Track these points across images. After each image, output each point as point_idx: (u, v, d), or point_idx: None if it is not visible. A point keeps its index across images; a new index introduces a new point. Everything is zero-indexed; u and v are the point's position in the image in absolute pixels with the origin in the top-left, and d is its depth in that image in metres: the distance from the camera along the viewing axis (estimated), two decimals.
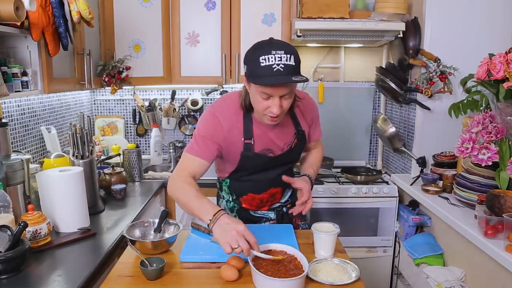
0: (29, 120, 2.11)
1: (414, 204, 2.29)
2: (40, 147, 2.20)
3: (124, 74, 2.45)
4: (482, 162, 1.73)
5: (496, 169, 1.75)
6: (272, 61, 1.22)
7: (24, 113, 2.06)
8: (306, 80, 1.23)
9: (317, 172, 1.66)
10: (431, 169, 2.27)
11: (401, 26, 2.32)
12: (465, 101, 2.02)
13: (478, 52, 1.84)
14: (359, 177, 2.51)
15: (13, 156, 1.57)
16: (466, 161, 1.90)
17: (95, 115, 2.97)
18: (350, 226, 2.42)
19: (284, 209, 1.61)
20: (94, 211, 1.78)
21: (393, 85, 2.35)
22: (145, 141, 3.00)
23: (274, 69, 1.22)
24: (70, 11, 1.73)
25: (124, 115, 2.97)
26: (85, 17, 1.81)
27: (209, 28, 2.57)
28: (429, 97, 2.22)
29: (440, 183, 2.15)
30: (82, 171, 1.62)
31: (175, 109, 2.89)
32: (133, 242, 1.31)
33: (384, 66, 2.55)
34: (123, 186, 2.04)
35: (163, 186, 2.37)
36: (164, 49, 2.58)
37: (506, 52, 1.61)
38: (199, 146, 1.40)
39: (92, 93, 2.93)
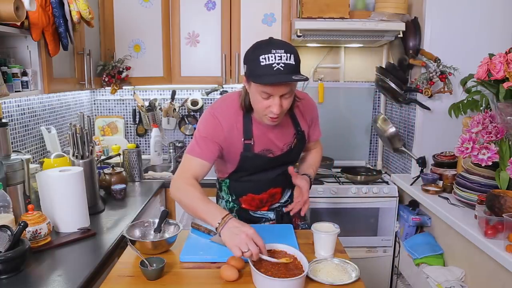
0: (29, 120, 2.11)
1: (414, 204, 2.29)
2: (40, 147, 2.20)
3: (124, 74, 2.45)
4: (482, 162, 1.73)
5: (496, 169, 1.75)
6: (272, 60, 1.22)
7: (24, 113, 2.06)
8: (306, 79, 1.23)
9: (316, 172, 1.66)
10: (431, 169, 2.27)
11: (401, 26, 2.32)
12: (465, 101, 2.02)
13: (478, 52, 1.84)
14: (359, 177, 2.51)
15: (13, 156, 1.57)
16: (466, 161, 1.90)
17: (95, 115, 2.97)
18: (350, 226, 2.42)
19: (284, 209, 1.61)
20: (94, 211, 1.78)
21: (393, 85, 2.35)
22: (145, 141, 3.00)
23: (274, 68, 1.22)
24: (70, 11, 1.73)
25: (124, 115, 2.97)
26: (85, 17, 1.81)
27: (209, 28, 2.57)
28: (429, 97, 2.22)
29: (440, 183, 2.15)
30: (82, 171, 1.62)
31: (175, 109, 2.89)
32: (133, 242, 1.31)
33: (384, 66, 2.55)
34: (123, 186, 2.04)
35: (163, 186, 2.38)
36: (164, 49, 2.58)
37: (506, 52, 1.61)
38: (200, 147, 1.40)
39: (92, 93, 2.93)
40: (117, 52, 2.48)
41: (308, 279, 1.15)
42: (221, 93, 2.82)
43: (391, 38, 2.47)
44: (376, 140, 2.99)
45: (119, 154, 2.45)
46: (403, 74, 2.40)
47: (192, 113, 2.97)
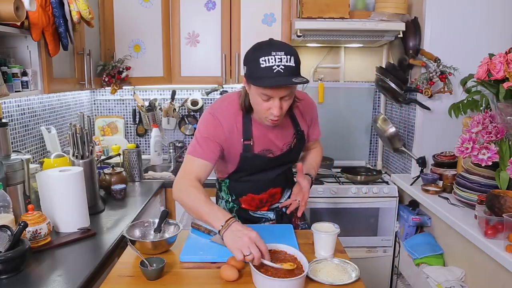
0: (29, 120, 2.11)
1: (414, 204, 2.29)
2: (40, 147, 2.20)
3: (124, 74, 2.45)
4: (482, 162, 1.73)
5: (496, 169, 1.75)
6: (272, 62, 1.21)
7: (24, 113, 2.06)
8: (307, 81, 1.23)
9: (316, 173, 1.67)
10: (431, 169, 2.27)
11: (401, 26, 2.32)
12: (465, 101, 2.02)
13: (478, 52, 1.84)
14: (359, 177, 2.51)
15: (13, 156, 1.57)
16: (466, 161, 1.90)
17: (95, 115, 2.97)
18: (350, 226, 2.42)
19: (284, 209, 1.61)
20: (94, 211, 1.78)
21: (393, 85, 2.35)
22: (145, 141, 3.00)
23: (274, 71, 1.21)
24: (70, 11, 1.73)
25: (124, 115, 2.97)
26: (85, 17, 1.81)
27: (209, 28, 2.57)
28: (429, 97, 2.22)
29: (440, 183, 2.15)
30: (82, 171, 1.62)
31: (175, 109, 2.89)
32: (133, 242, 1.31)
33: (384, 66, 2.55)
34: (123, 186, 2.04)
35: (163, 186, 2.38)
36: (164, 49, 2.58)
37: (506, 52, 1.61)
38: (202, 148, 1.39)
39: (92, 93, 2.93)
40: (117, 52, 2.48)
41: (308, 279, 1.15)
42: (221, 93, 2.82)
43: (391, 38, 2.47)
44: (376, 140, 2.99)
45: (119, 154, 2.45)
46: (403, 74, 2.40)
47: (192, 113, 2.97)
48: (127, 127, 2.98)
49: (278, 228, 1.53)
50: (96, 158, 1.99)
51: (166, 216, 1.44)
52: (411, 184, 2.27)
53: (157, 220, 1.43)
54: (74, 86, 2.05)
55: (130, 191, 2.18)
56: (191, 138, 2.96)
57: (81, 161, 1.77)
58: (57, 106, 2.43)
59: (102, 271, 1.38)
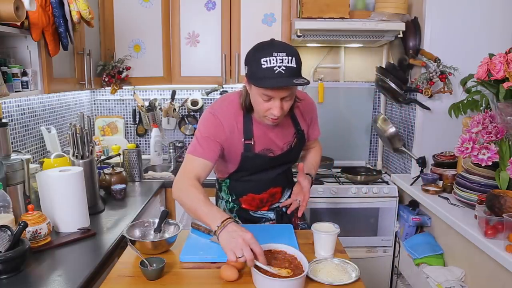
0: (29, 120, 2.11)
1: (414, 204, 2.29)
2: (40, 147, 2.20)
3: (124, 74, 2.45)
4: (482, 162, 1.73)
5: (496, 169, 1.75)
6: (273, 63, 1.22)
7: (24, 113, 2.06)
8: (308, 83, 1.24)
9: (316, 172, 1.67)
10: (431, 169, 2.27)
11: (401, 26, 2.32)
12: (465, 101, 2.02)
13: (478, 52, 1.84)
14: (359, 177, 2.51)
15: (13, 156, 1.57)
16: (466, 161, 1.90)
17: (95, 115, 2.97)
18: (350, 226, 2.42)
19: (284, 209, 1.61)
20: (94, 211, 1.78)
21: (393, 85, 2.35)
22: (145, 141, 3.00)
23: (276, 71, 1.22)
24: (70, 11, 1.73)
25: (124, 115, 2.97)
26: (85, 17, 1.81)
27: (209, 28, 2.57)
28: (429, 97, 2.22)
29: (440, 183, 2.15)
30: (82, 171, 1.62)
31: (175, 109, 2.89)
32: (133, 242, 1.31)
33: (384, 66, 2.55)
34: (123, 186, 2.04)
35: (163, 186, 2.38)
36: (164, 49, 2.58)
37: (506, 52, 1.61)
38: (202, 147, 1.39)
39: (92, 93, 2.93)
40: (117, 52, 2.48)
41: (308, 279, 1.15)
42: (221, 93, 2.82)
43: (391, 38, 2.47)
44: (376, 140, 2.99)
45: (119, 154, 2.45)
46: (403, 74, 2.39)
47: (192, 113, 2.97)
48: (127, 127, 2.98)
49: (278, 228, 1.53)
50: (96, 158, 1.99)
51: (166, 216, 1.44)
52: (411, 184, 2.27)
53: (157, 220, 1.43)
54: (74, 86, 2.05)
55: (130, 191, 2.18)
56: (191, 138, 2.96)
57: (81, 161, 1.77)
58: (57, 106, 2.43)
59: (102, 271, 1.38)
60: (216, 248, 1.34)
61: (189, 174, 1.36)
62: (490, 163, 1.72)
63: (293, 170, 1.69)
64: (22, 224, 1.27)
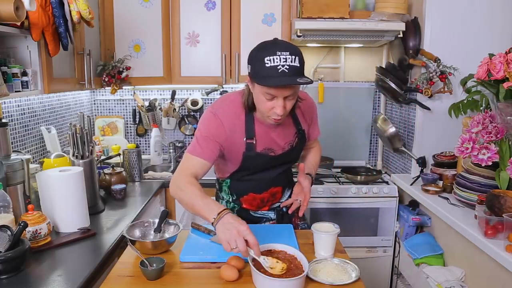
0: (29, 120, 2.11)
1: (414, 204, 2.29)
2: (40, 147, 2.20)
3: (124, 74, 2.45)
4: (482, 162, 1.73)
5: (496, 169, 1.75)
6: (277, 62, 1.22)
7: (24, 113, 2.06)
8: (311, 82, 1.24)
9: (316, 172, 1.67)
10: (431, 169, 2.27)
11: (401, 26, 2.32)
12: (465, 101, 2.02)
13: (478, 52, 1.83)
14: (359, 177, 2.51)
15: (13, 156, 1.57)
16: (466, 161, 1.90)
17: (95, 115, 2.97)
18: (350, 226, 2.42)
19: (284, 208, 1.61)
20: (94, 211, 1.78)
21: (393, 85, 2.35)
22: (145, 141, 3.00)
23: (279, 70, 1.22)
24: (70, 11, 1.73)
25: (124, 115, 2.97)
26: (85, 17, 1.81)
27: (209, 28, 2.57)
28: (429, 97, 2.22)
29: (440, 183, 2.15)
30: (82, 171, 1.62)
31: (175, 109, 2.89)
32: (133, 242, 1.31)
33: (384, 66, 2.55)
34: (123, 186, 2.04)
35: (163, 186, 2.38)
36: (164, 49, 2.58)
37: (506, 52, 1.61)
38: (201, 147, 1.40)
39: (92, 93, 2.93)
40: (117, 52, 2.48)
41: (308, 279, 1.15)
42: (221, 93, 2.82)
43: (391, 38, 2.47)
44: (376, 140, 2.99)
45: (119, 154, 2.45)
46: (403, 74, 2.40)
47: (192, 113, 2.97)
48: (127, 127, 2.98)
49: (278, 228, 1.54)
50: (96, 158, 1.99)
51: (166, 216, 1.44)
52: (411, 184, 2.27)
53: (157, 220, 1.43)
54: (74, 86, 2.05)
55: (130, 191, 2.18)
56: (191, 138, 2.96)
57: (81, 161, 1.77)
58: (57, 106, 2.43)
59: (102, 271, 1.38)
60: (216, 248, 1.34)
61: (186, 171, 1.37)
62: (490, 163, 1.72)
63: (293, 170, 1.69)
64: (22, 224, 1.27)
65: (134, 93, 2.89)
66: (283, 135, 1.49)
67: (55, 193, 1.55)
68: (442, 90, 2.19)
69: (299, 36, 2.37)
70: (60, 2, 1.68)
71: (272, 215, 1.63)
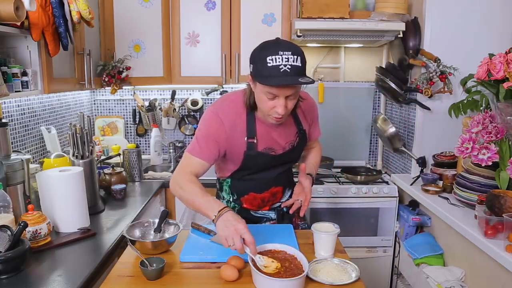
0: (29, 120, 2.11)
1: (414, 204, 2.29)
2: (40, 147, 2.20)
3: (124, 74, 2.45)
4: (482, 162, 1.73)
5: (496, 169, 1.75)
6: (279, 61, 1.23)
7: (24, 113, 2.06)
8: (313, 81, 1.25)
9: (316, 172, 1.68)
10: (431, 169, 2.27)
11: (401, 26, 2.32)
12: (465, 101, 2.02)
13: (478, 52, 1.83)
14: (359, 177, 2.51)
15: (13, 156, 1.57)
16: (466, 161, 1.90)
17: (95, 115, 2.97)
18: (350, 226, 2.42)
19: (285, 208, 1.61)
20: (94, 211, 1.78)
21: (393, 85, 2.35)
22: (145, 141, 3.00)
23: (281, 70, 1.23)
24: (70, 11, 1.73)
25: (124, 115, 2.97)
26: (85, 17, 1.81)
27: (209, 28, 2.57)
28: (429, 97, 2.22)
29: (440, 183, 2.15)
30: (82, 171, 1.62)
31: (175, 109, 2.89)
32: (133, 242, 1.31)
33: (384, 66, 2.55)
34: (123, 186, 2.04)
35: (163, 186, 2.37)
36: (164, 49, 2.58)
37: (506, 52, 1.61)
38: (200, 147, 1.41)
39: (92, 93, 2.93)
40: (117, 52, 2.48)
41: (308, 279, 1.15)
42: (221, 93, 2.82)
43: (391, 38, 2.47)
44: (376, 140, 2.99)
45: (119, 154, 2.45)
46: (403, 74, 2.39)
47: (192, 113, 2.97)
48: (127, 127, 2.98)
49: (278, 228, 1.54)
50: (96, 158, 1.99)
51: (166, 216, 1.44)
52: (411, 184, 2.27)
53: (157, 220, 1.43)
54: (74, 86, 2.05)
55: (130, 191, 2.18)
56: (191, 138, 2.96)
57: (81, 161, 1.77)
58: (57, 106, 2.43)
59: (102, 271, 1.38)
60: (216, 248, 1.34)
61: (186, 170, 1.40)
62: (490, 163, 1.72)
63: (294, 170, 1.70)
64: (22, 224, 1.27)
65: (134, 93, 2.89)
66: (284, 134, 1.49)
67: (55, 193, 1.55)
68: (442, 90, 2.19)
69: (299, 36, 2.37)
70: (60, 2, 1.68)
71: (272, 215, 1.63)
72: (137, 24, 2.51)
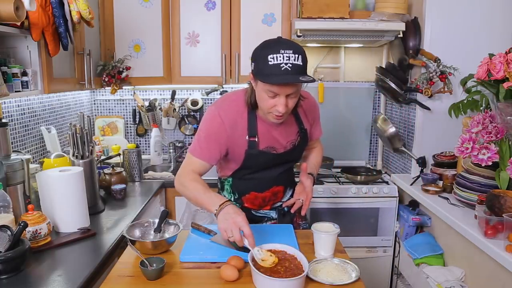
0: (29, 120, 2.11)
1: (414, 204, 2.29)
2: (40, 147, 2.20)
3: (124, 74, 2.45)
4: (482, 162, 1.73)
5: (496, 169, 1.75)
6: (280, 60, 1.23)
7: (24, 113, 2.06)
8: (313, 80, 1.25)
9: (318, 172, 1.69)
10: (431, 169, 2.27)
11: (401, 26, 2.32)
12: (465, 101, 2.02)
13: (478, 52, 1.83)
14: (359, 177, 2.51)
15: (13, 156, 1.57)
16: (466, 161, 1.90)
17: (95, 115, 2.97)
18: (350, 226, 2.42)
19: (286, 208, 1.61)
20: (94, 211, 1.78)
21: (393, 85, 2.35)
22: (145, 141, 3.00)
23: (282, 68, 1.23)
24: (70, 11, 1.73)
25: (124, 115, 2.97)
26: (85, 17, 1.81)
27: (209, 28, 2.57)
28: (429, 97, 2.22)
29: (440, 183, 2.15)
30: (82, 171, 1.62)
31: (175, 109, 2.89)
32: (133, 242, 1.31)
33: (384, 66, 2.55)
34: (123, 186, 2.04)
35: (163, 186, 2.38)
36: (164, 49, 2.58)
37: (506, 52, 1.61)
38: (201, 148, 1.43)
39: (92, 93, 2.93)
40: (117, 52, 2.48)
41: (308, 279, 1.15)
42: (221, 93, 2.82)
43: (391, 38, 2.47)
44: (376, 140, 2.99)
45: (119, 154, 2.45)
46: (403, 74, 2.39)
47: (192, 113, 2.97)
48: (127, 127, 2.98)
49: (278, 228, 1.54)
50: (96, 158, 1.99)
51: (166, 216, 1.44)
52: (411, 184, 2.27)
53: (157, 220, 1.43)
54: (74, 86, 2.05)
55: (130, 191, 2.18)
56: (191, 138, 2.96)
57: (81, 161, 1.77)
58: (57, 106, 2.43)
59: (102, 271, 1.38)
60: (216, 248, 1.34)
61: (188, 169, 1.45)
62: (490, 163, 1.72)
63: (294, 170, 1.70)
64: (22, 224, 1.27)
65: (134, 93, 2.89)
66: (285, 133, 1.50)
67: (55, 193, 1.55)
68: (442, 90, 2.19)
69: (299, 36, 2.37)
70: (60, 2, 1.68)
71: (273, 214, 1.63)
72: (137, 24, 2.51)
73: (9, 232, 1.25)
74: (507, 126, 1.68)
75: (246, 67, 2.59)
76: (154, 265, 1.21)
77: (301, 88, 1.38)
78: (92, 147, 1.84)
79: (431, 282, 1.88)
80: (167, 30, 2.58)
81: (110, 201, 2.00)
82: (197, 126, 1.53)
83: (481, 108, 1.91)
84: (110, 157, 2.40)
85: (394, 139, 2.54)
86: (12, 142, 1.93)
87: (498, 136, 1.71)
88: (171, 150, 2.84)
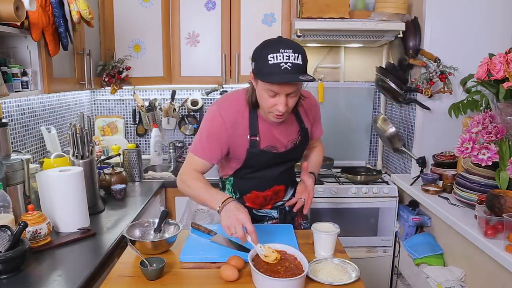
0: (29, 120, 2.11)
1: (414, 204, 2.29)
2: (40, 147, 2.20)
3: (124, 74, 2.45)
4: (482, 162, 1.73)
5: (496, 169, 1.75)
6: (280, 59, 1.24)
7: (24, 113, 2.06)
8: (313, 79, 1.25)
9: (319, 172, 1.69)
10: (431, 169, 2.27)
11: (401, 26, 2.32)
12: (465, 101, 2.02)
13: (478, 52, 1.84)
14: (359, 177, 2.51)
15: (13, 156, 1.57)
16: (466, 161, 1.90)
17: (95, 115, 2.97)
18: (350, 226, 2.42)
19: (287, 207, 1.61)
20: (94, 211, 1.78)
21: (393, 85, 2.35)
22: (145, 141, 3.00)
23: (282, 68, 1.24)
24: (70, 11, 1.73)
25: (124, 115, 2.97)
26: (85, 17, 1.81)
27: (209, 28, 2.57)
28: (429, 97, 2.22)
29: (440, 183, 2.15)
30: (82, 171, 1.62)
31: (175, 109, 2.89)
32: (133, 242, 1.31)
33: (384, 66, 2.55)
34: (123, 186, 2.04)
35: (163, 186, 2.38)
36: (164, 49, 2.58)
37: (506, 52, 1.61)
38: (202, 148, 1.44)
39: (92, 93, 2.93)
40: (117, 52, 2.48)
41: (308, 279, 1.16)
42: (221, 93, 2.82)
43: (391, 38, 2.47)
44: (376, 140, 2.99)
45: (119, 154, 2.45)
46: (403, 74, 2.39)
47: (192, 113, 2.97)
48: (127, 127, 2.98)
49: (278, 228, 1.54)
50: (96, 158, 1.99)
51: (166, 216, 1.44)
52: (411, 184, 2.27)
53: (157, 220, 1.43)
54: (74, 86, 2.05)
55: (130, 191, 2.18)
56: (191, 138, 2.96)
57: (81, 161, 1.77)
58: (57, 106, 2.43)
59: (102, 271, 1.38)
60: (216, 248, 1.34)
61: (190, 168, 1.46)
62: (490, 163, 1.72)
63: (295, 169, 1.70)
64: (22, 224, 1.27)
65: (134, 93, 2.89)
66: (286, 133, 1.50)
67: (55, 193, 1.55)
68: (442, 90, 2.19)
69: (299, 36, 2.37)
70: (60, 2, 1.68)
71: (275, 213, 1.63)
72: (137, 24, 2.51)
73: (9, 232, 1.25)
74: (507, 126, 1.68)
75: (246, 67, 2.59)
76: (154, 265, 1.21)
77: (301, 88, 1.38)
78: (92, 147, 1.84)
79: (431, 282, 1.88)
80: (167, 30, 2.58)
81: (110, 201, 2.00)
82: (197, 126, 1.53)
83: (481, 108, 1.91)
84: (110, 157, 2.40)
85: (394, 139, 2.54)
86: (12, 142, 1.93)
87: (498, 136, 1.71)
88: (171, 150, 2.84)
